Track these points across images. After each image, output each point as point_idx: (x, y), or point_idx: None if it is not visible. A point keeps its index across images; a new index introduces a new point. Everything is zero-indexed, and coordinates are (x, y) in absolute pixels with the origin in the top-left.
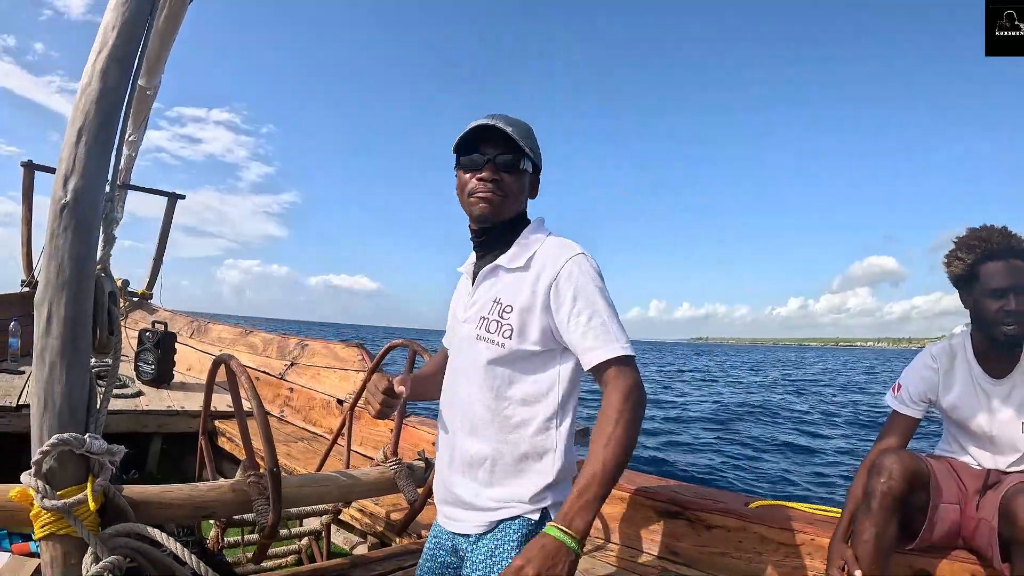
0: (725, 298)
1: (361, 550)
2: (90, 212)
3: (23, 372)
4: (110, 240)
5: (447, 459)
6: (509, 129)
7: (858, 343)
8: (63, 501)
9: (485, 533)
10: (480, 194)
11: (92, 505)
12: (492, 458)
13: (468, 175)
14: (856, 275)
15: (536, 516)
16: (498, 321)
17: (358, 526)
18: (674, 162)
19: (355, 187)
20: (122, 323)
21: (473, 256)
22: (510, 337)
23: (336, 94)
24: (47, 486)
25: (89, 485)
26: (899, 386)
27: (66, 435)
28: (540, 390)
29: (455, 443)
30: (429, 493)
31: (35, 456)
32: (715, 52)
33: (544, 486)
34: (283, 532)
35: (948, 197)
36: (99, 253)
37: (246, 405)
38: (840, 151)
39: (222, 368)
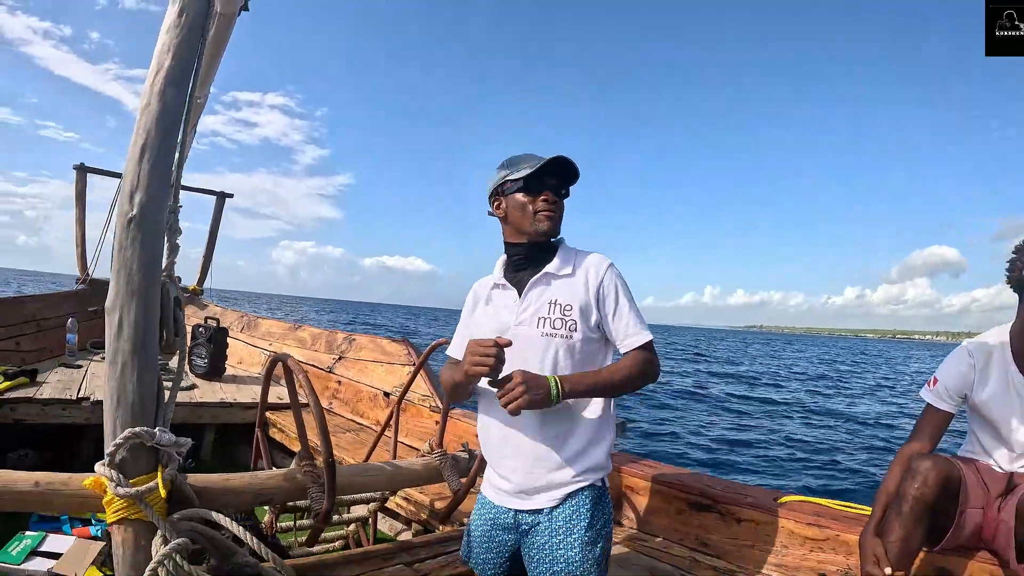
0: (780, 285)
1: (405, 536)
2: (155, 224)
3: (80, 366)
4: (174, 249)
5: (517, 448)
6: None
7: (916, 335)
8: (135, 489)
9: (559, 505)
10: (547, 213)
11: (162, 492)
12: (573, 435)
13: (531, 197)
14: (916, 264)
15: (600, 482)
16: (561, 319)
17: (403, 513)
18: (732, 148)
19: (410, 170)
20: None
21: (499, 273)
22: (575, 329)
23: (392, 77)
24: (120, 475)
25: (159, 474)
26: (935, 380)
27: (137, 429)
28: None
29: (528, 431)
30: (472, 482)
31: (108, 448)
32: (774, 39)
33: (607, 452)
34: (333, 518)
35: (1013, 183)
36: (164, 262)
37: (301, 399)
38: (902, 137)
39: (274, 363)
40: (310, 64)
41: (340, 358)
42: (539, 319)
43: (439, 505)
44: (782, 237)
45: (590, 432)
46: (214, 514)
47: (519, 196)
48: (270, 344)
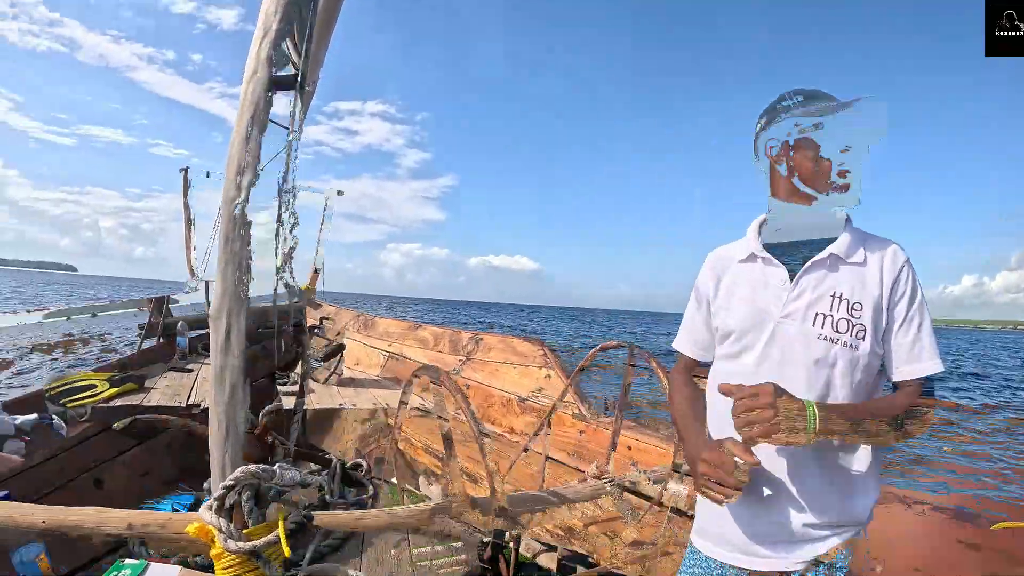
0: None
1: (545, 559)
2: None
3: (191, 370)
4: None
5: (762, 491)
6: None
7: None
8: (251, 544)
9: (811, 567)
10: (848, 169)
11: (286, 551)
12: (838, 478)
13: (829, 147)
14: None
15: (859, 535)
16: (848, 320)
17: (544, 535)
18: None
19: (512, 169)
20: None
21: (757, 242)
22: (863, 338)
23: (491, 78)
24: (231, 525)
25: (281, 525)
26: None
27: (252, 467)
28: (875, 394)
29: (780, 470)
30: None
31: (216, 491)
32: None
33: (873, 502)
34: None
35: None
36: (279, 257)
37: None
38: (1019, 115)
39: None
40: (409, 70)
41: (467, 359)
42: (816, 315)
43: (591, 530)
44: (894, 224)
45: (860, 474)
46: (347, 570)
47: (811, 145)
48: (388, 344)
